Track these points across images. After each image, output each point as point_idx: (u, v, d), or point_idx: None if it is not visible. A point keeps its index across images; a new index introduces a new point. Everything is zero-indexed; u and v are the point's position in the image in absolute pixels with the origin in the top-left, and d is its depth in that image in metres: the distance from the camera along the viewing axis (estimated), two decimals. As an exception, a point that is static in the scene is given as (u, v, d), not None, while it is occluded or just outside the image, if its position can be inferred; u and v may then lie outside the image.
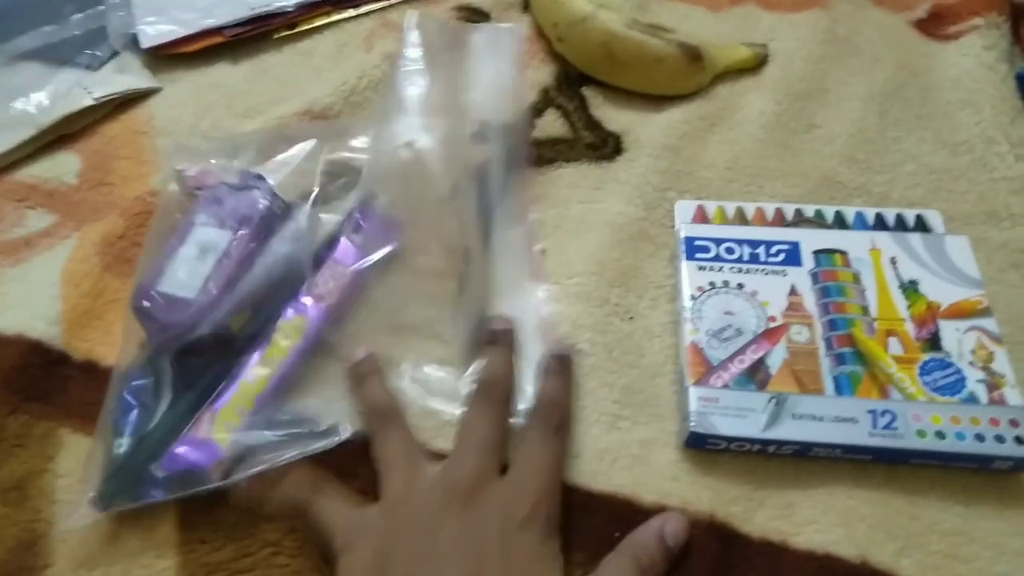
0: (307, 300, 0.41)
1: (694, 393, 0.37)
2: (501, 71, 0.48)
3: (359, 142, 0.47)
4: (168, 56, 0.56)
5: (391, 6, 0.59)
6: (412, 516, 0.33)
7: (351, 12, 0.58)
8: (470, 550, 0.32)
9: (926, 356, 0.38)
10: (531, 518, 0.33)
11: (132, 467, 0.35)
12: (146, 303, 0.38)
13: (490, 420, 0.36)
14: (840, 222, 0.44)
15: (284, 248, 0.42)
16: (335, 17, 0.58)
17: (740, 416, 0.36)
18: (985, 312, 0.39)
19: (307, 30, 0.57)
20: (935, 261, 0.41)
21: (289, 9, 0.57)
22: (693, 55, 0.50)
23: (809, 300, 0.40)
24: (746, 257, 0.42)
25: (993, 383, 0.37)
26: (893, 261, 0.41)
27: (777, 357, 0.38)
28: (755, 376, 0.38)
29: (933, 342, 0.38)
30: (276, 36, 0.57)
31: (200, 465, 0.36)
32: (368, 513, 0.34)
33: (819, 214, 0.44)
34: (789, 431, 0.36)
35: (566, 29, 0.52)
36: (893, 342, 0.38)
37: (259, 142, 0.47)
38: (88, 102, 0.52)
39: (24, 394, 0.40)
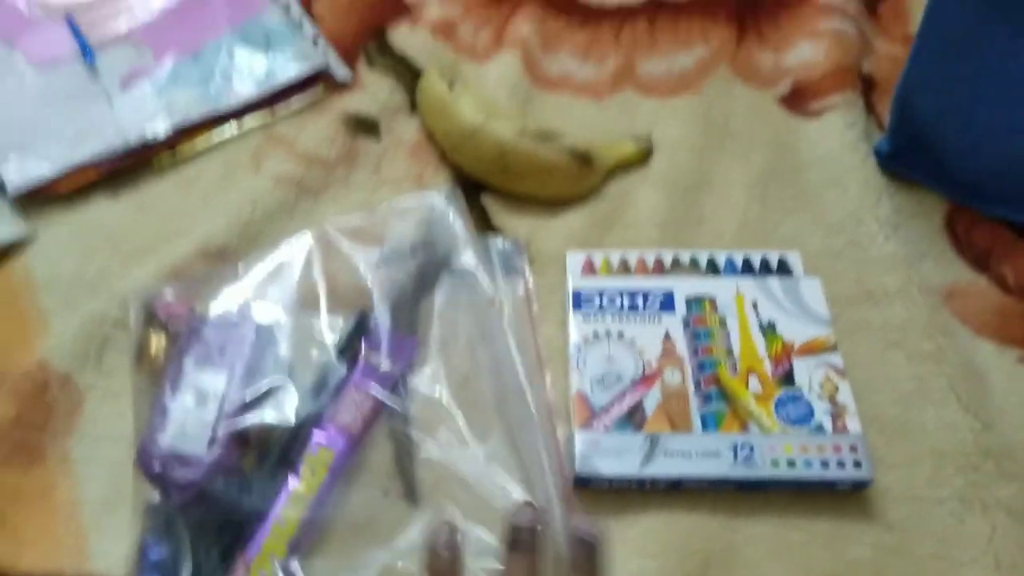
0: (329, 430, 0.40)
1: (579, 437, 0.41)
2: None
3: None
4: (40, 198, 0.52)
5: (276, 120, 0.57)
6: None
7: (234, 131, 0.57)
8: None
9: (781, 392, 0.43)
10: None
11: None
12: (155, 463, 0.37)
13: None
14: (712, 267, 0.48)
15: (277, 379, 0.41)
16: (217, 139, 0.56)
17: (619, 456, 0.40)
18: (832, 348, 0.44)
19: (190, 154, 0.55)
20: (791, 302, 0.46)
21: (162, 138, 0.54)
22: (583, 160, 0.51)
23: (681, 345, 0.44)
24: (626, 306, 0.46)
25: (837, 413, 0.42)
26: (755, 305, 0.46)
27: (652, 400, 0.42)
28: (633, 419, 0.42)
29: (787, 378, 0.43)
30: (157, 163, 0.55)
31: None
32: None
33: (694, 260, 0.48)
34: (661, 468, 0.40)
35: (459, 141, 0.52)
36: (753, 380, 0.43)
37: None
38: (-47, 263, 0.48)
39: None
